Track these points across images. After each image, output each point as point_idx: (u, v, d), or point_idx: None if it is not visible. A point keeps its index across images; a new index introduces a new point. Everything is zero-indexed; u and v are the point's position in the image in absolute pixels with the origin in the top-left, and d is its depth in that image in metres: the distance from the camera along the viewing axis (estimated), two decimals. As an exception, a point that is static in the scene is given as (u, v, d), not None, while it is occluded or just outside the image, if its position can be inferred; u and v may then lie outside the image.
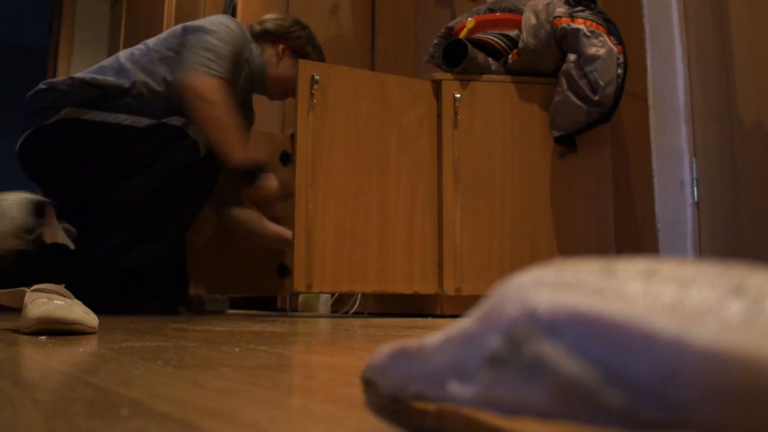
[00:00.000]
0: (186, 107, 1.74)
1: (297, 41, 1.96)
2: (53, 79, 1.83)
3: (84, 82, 1.77)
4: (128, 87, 1.78)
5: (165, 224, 1.76)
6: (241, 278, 2.34)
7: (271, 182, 1.83)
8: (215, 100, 1.73)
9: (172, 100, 1.77)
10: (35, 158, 1.81)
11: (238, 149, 1.75)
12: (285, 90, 2.00)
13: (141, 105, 1.76)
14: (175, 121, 1.74)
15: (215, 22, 1.85)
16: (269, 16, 2.03)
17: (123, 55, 1.86)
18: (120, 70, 1.80)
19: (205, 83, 1.73)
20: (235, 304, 2.43)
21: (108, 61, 1.86)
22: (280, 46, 1.96)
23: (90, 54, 4.23)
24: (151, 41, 1.88)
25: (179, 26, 1.90)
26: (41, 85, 1.81)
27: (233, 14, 2.62)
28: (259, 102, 2.54)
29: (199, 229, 2.31)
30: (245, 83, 1.94)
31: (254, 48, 1.94)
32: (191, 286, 2.09)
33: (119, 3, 4.05)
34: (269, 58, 1.96)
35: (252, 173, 1.80)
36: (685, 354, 0.17)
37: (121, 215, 1.72)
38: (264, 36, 1.97)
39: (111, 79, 1.78)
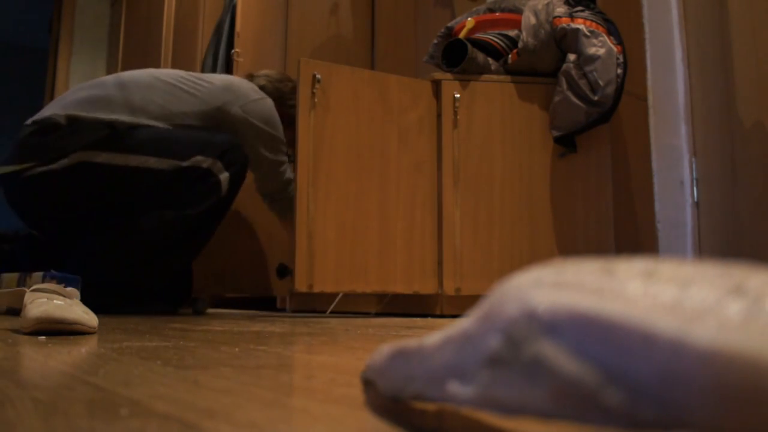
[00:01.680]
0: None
1: (290, 110, 1.87)
2: (41, 117, 1.68)
3: (95, 121, 1.65)
4: (143, 123, 1.69)
5: (176, 251, 1.75)
6: (241, 278, 2.34)
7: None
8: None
9: (192, 136, 1.71)
10: (37, 202, 1.70)
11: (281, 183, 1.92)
12: None
13: (159, 143, 1.68)
14: (201, 162, 1.70)
15: (268, 113, 1.84)
16: (266, 72, 1.99)
17: (137, 92, 1.72)
18: (133, 110, 1.70)
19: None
20: (235, 304, 2.43)
21: (117, 95, 1.71)
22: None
23: (90, 54, 4.23)
24: (181, 105, 1.76)
25: (216, 103, 1.79)
26: (31, 125, 1.67)
27: (233, 14, 2.61)
28: (259, 102, 2.54)
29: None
30: None
31: None
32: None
33: (119, 3, 4.05)
34: None
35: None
36: (685, 354, 0.17)
37: (136, 243, 1.68)
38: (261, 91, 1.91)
39: (121, 118, 1.68)
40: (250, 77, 1.95)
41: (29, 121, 1.71)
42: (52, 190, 1.66)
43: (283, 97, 1.90)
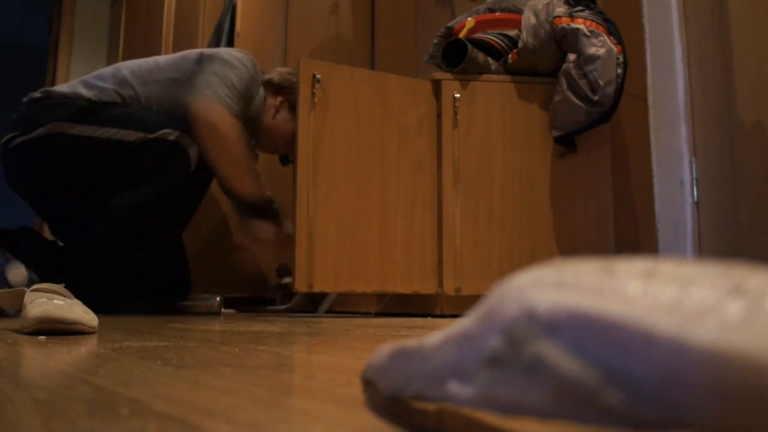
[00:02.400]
0: (197, 134, 1.73)
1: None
2: (51, 88, 1.81)
3: (75, 96, 1.75)
4: (119, 101, 1.77)
5: (158, 231, 1.76)
6: (240, 278, 2.34)
7: (264, 233, 1.81)
8: (230, 135, 1.72)
9: (166, 115, 1.75)
10: (20, 172, 1.79)
11: (249, 185, 1.76)
12: (275, 144, 1.98)
13: (130, 118, 1.74)
14: (169, 135, 1.72)
15: (235, 57, 1.82)
16: (279, 69, 2.01)
17: (126, 67, 1.84)
18: (121, 81, 1.79)
19: (222, 116, 1.72)
20: (235, 304, 2.43)
21: (108, 70, 1.84)
22: (279, 98, 1.93)
23: (90, 54, 4.23)
24: (161, 59, 1.86)
25: (195, 51, 1.86)
26: (37, 93, 1.79)
27: (233, 14, 2.61)
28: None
29: (197, 229, 2.31)
30: (245, 125, 1.91)
31: (260, 92, 1.93)
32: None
33: (119, 3, 4.05)
34: (268, 107, 1.94)
35: (261, 209, 1.81)
36: (685, 354, 0.17)
37: (115, 225, 1.71)
38: (267, 85, 1.95)
39: (108, 87, 1.76)
40: (263, 73, 1.98)
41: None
42: (30, 159, 1.75)
43: (292, 86, 1.91)
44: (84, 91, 1.76)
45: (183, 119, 1.75)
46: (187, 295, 1.98)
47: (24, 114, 1.76)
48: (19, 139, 1.73)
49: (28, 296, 0.92)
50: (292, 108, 1.89)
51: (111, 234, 1.72)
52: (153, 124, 1.73)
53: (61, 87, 1.80)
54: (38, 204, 1.88)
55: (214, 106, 1.71)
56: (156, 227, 1.75)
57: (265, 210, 1.82)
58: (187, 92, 1.75)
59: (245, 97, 1.82)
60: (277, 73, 1.97)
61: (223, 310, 2.08)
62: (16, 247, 1.78)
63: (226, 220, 2.37)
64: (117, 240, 1.72)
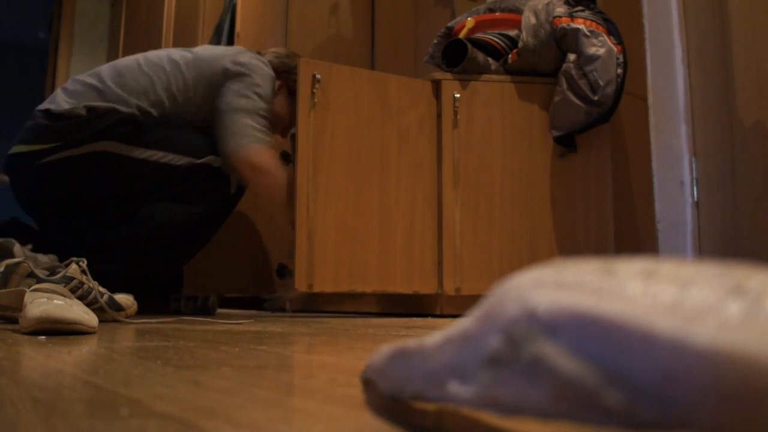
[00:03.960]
0: (244, 178, 1.79)
1: (294, 84, 1.86)
2: (56, 106, 1.74)
3: (117, 113, 1.72)
4: (159, 119, 1.77)
5: (185, 243, 1.80)
6: (241, 278, 2.34)
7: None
8: (273, 169, 1.77)
9: (210, 138, 1.79)
10: (47, 188, 1.73)
11: (282, 190, 1.80)
12: (274, 125, 1.96)
13: (176, 141, 1.76)
14: (213, 161, 1.76)
15: (262, 69, 1.83)
16: (273, 49, 2.01)
17: (159, 81, 1.78)
18: (155, 102, 1.77)
19: (262, 155, 1.76)
20: (234, 304, 2.43)
21: (140, 82, 1.77)
22: (278, 83, 1.91)
23: (90, 54, 4.23)
24: (189, 72, 1.80)
25: (219, 59, 1.82)
26: (45, 112, 1.72)
27: (233, 14, 2.61)
28: (259, 102, 2.54)
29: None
30: None
31: None
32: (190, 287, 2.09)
33: (119, 3, 4.05)
34: None
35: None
36: (685, 354, 0.17)
37: (146, 232, 1.73)
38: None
39: (143, 106, 1.76)
40: (259, 53, 1.97)
41: (42, 107, 1.75)
42: (67, 176, 1.70)
43: (290, 70, 1.92)
44: (124, 109, 1.73)
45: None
46: (181, 295, 1.97)
47: (57, 128, 1.69)
48: (56, 156, 1.68)
49: (28, 296, 0.92)
50: (290, 92, 1.91)
51: (139, 239, 1.73)
52: (199, 149, 1.76)
53: (74, 97, 1.74)
54: (52, 221, 1.82)
55: (253, 151, 1.75)
56: (182, 241, 1.79)
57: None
58: (224, 132, 1.77)
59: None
60: (273, 55, 1.96)
61: (218, 311, 2.08)
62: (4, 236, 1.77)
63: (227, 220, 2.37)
64: (142, 246, 1.73)
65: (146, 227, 1.73)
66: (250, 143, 1.75)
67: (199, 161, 1.75)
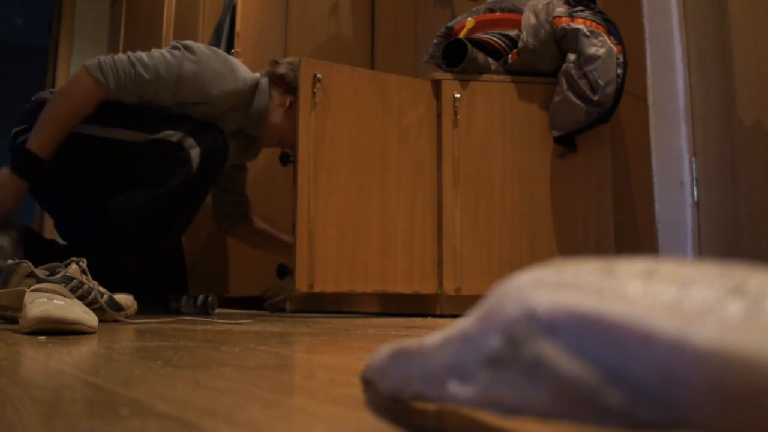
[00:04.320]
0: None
1: None
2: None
3: None
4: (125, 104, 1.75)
5: (157, 233, 1.75)
6: (241, 278, 2.34)
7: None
8: (71, 95, 1.69)
9: (164, 113, 1.75)
10: None
11: (38, 139, 1.69)
12: (281, 141, 1.93)
13: (134, 118, 1.73)
14: (171, 136, 1.71)
15: (203, 51, 1.77)
16: (289, 60, 1.94)
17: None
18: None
19: (85, 83, 1.68)
20: (234, 304, 2.43)
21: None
22: (289, 98, 1.86)
23: (90, 54, 4.23)
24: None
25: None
26: (47, 95, 1.79)
27: (233, 14, 2.61)
28: (259, 102, 2.54)
29: (197, 229, 2.31)
30: (242, 122, 1.87)
31: (263, 86, 1.87)
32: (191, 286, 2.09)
33: (119, 3, 4.05)
34: (274, 104, 1.87)
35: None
36: (685, 354, 0.17)
37: (115, 227, 1.71)
38: (278, 81, 1.88)
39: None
40: (275, 64, 1.93)
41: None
42: None
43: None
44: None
45: (186, 120, 1.75)
46: (182, 295, 1.97)
47: (30, 110, 1.76)
48: (25, 136, 1.73)
49: (28, 296, 0.92)
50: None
51: (111, 235, 1.71)
52: (155, 124, 1.73)
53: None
54: (42, 198, 1.88)
55: (85, 72, 1.68)
56: (156, 229, 1.74)
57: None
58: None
59: (188, 91, 1.75)
60: (287, 67, 1.89)
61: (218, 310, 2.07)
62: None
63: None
64: (117, 241, 1.71)
65: (113, 223, 1.71)
66: (91, 67, 1.68)
67: (153, 136, 1.71)
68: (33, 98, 1.83)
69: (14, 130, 1.79)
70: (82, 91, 1.69)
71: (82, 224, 1.77)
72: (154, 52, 1.75)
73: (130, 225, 1.72)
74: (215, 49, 1.85)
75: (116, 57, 1.72)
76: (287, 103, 1.86)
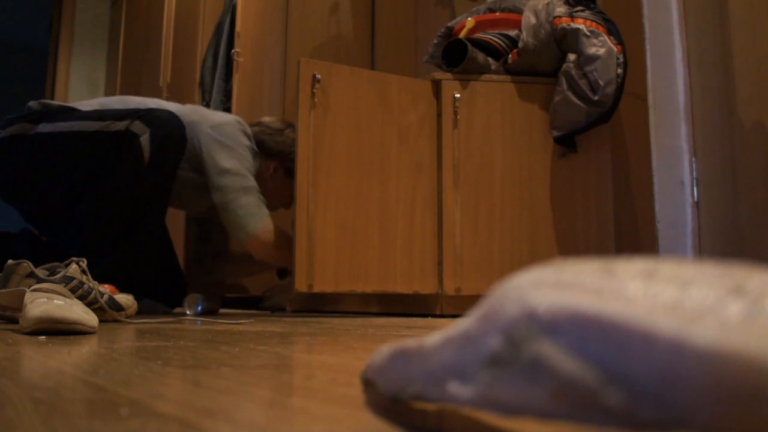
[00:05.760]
0: (257, 257, 1.85)
1: (291, 164, 1.85)
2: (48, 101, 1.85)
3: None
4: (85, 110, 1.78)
5: (131, 226, 1.72)
6: (241, 278, 2.34)
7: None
8: (281, 245, 1.79)
9: (125, 106, 1.77)
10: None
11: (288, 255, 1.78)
12: (279, 204, 1.96)
13: (86, 114, 1.75)
14: (119, 124, 1.70)
15: (238, 142, 1.82)
16: (267, 120, 1.96)
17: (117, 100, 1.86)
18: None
19: (265, 239, 1.78)
20: (234, 304, 2.43)
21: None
22: (273, 164, 1.89)
23: (90, 54, 4.23)
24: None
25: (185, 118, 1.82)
26: (37, 103, 1.82)
27: (233, 14, 2.61)
28: (259, 99, 2.54)
29: (198, 229, 2.31)
30: None
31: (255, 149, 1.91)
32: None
33: (119, 3, 4.05)
34: (263, 169, 1.90)
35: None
36: (685, 354, 0.17)
37: (85, 231, 1.70)
38: (260, 147, 1.90)
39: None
40: (257, 126, 1.95)
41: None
42: (3, 158, 1.76)
43: (284, 153, 1.90)
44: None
45: (138, 109, 1.75)
46: (182, 297, 1.97)
47: (12, 120, 1.78)
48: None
49: (28, 296, 0.92)
50: (287, 172, 1.88)
51: (86, 241, 1.69)
52: (107, 116, 1.73)
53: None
54: (22, 207, 1.87)
55: (256, 237, 1.78)
56: (127, 222, 1.71)
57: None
58: (228, 216, 1.80)
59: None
60: (268, 133, 1.91)
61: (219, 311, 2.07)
62: (15, 248, 1.78)
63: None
64: (93, 245, 1.69)
65: (82, 228, 1.71)
66: (255, 231, 1.77)
67: (104, 123, 1.71)
68: (27, 106, 1.84)
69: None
70: (268, 238, 1.79)
71: (52, 229, 1.77)
72: (240, 166, 1.80)
73: (99, 225, 1.70)
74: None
75: (248, 203, 1.78)
76: (272, 169, 1.90)
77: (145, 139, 1.69)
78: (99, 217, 1.70)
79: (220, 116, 1.90)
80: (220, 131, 1.82)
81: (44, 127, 1.72)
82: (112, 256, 1.70)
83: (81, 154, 1.71)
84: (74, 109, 1.78)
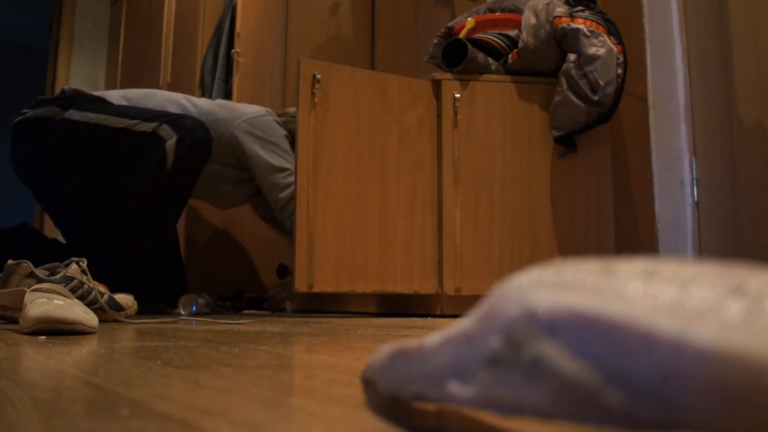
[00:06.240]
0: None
1: None
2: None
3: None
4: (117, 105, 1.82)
5: (140, 232, 1.73)
6: (241, 278, 2.34)
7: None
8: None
9: (156, 108, 1.79)
10: (17, 153, 1.84)
11: None
12: None
13: (121, 109, 1.77)
14: (148, 125, 1.71)
15: (277, 135, 1.91)
16: (291, 110, 2.04)
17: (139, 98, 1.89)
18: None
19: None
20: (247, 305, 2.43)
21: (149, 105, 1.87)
22: None
23: (90, 54, 4.23)
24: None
25: (213, 116, 1.88)
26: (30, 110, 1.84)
27: (233, 14, 2.61)
28: (259, 99, 2.54)
29: (198, 229, 2.31)
30: None
31: None
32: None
33: (119, 3, 4.05)
34: None
35: None
36: (685, 354, 0.17)
37: (97, 227, 1.71)
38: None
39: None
40: (283, 115, 2.03)
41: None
42: (24, 140, 1.79)
43: None
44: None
45: (168, 113, 1.76)
46: (181, 295, 1.96)
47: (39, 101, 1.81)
48: (19, 118, 1.77)
49: (28, 296, 0.92)
50: None
51: (94, 235, 1.70)
52: (137, 115, 1.74)
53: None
54: (36, 189, 1.89)
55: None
56: (139, 225, 1.72)
57: None
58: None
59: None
60: (295, 123, 2.01)
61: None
62: (14, 244, 1.78)
63: (226, 221, 2.37)
64: (100, 241, 1.70)
65: (95, 224, 1.71)
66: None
67: (132, 122, 1.73)
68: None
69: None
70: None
71: (76, 214, 1.77)
72: (285, 162, 1.90)
73: (111, 223, 1.71)
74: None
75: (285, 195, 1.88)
76: None
77: (170, 145, 1.70)
78: (112, 215, 1.71)
79: (250, 108, 1.95)
80: (256, 125, 1.87)
81: (72, 114, 1.74)
82: (116, 255, 1.70)
83: (103, 149, 1.72)
84: (105, 101, 1.79)
